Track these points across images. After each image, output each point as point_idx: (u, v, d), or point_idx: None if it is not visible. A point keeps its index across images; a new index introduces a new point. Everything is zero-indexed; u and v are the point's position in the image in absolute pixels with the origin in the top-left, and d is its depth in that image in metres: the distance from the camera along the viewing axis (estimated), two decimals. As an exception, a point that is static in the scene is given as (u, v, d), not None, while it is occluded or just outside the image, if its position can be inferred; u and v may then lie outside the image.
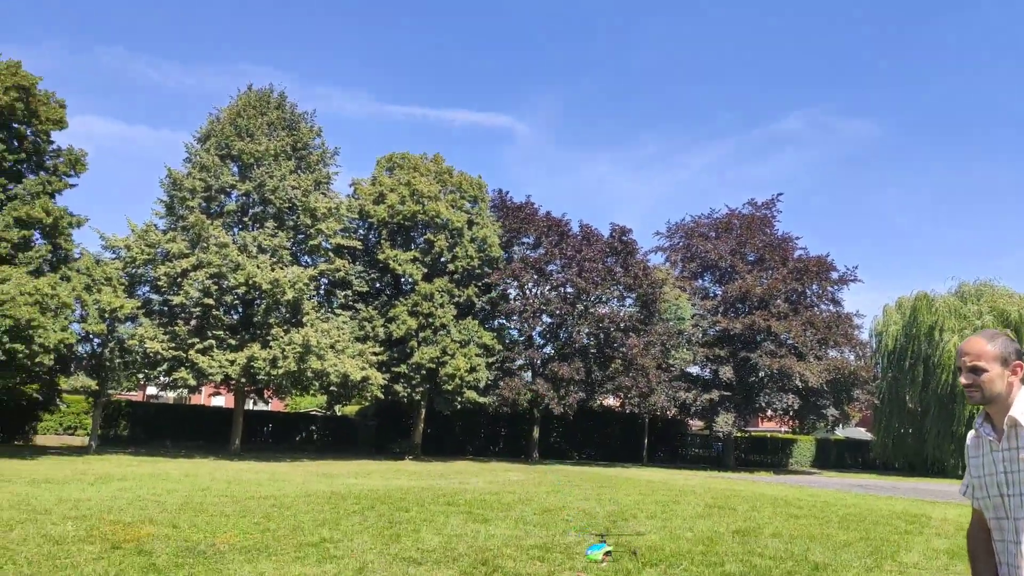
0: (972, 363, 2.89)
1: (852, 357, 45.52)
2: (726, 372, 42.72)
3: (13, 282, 24.08)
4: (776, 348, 42.49)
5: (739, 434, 49.21)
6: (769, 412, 45.80)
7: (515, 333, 42.17)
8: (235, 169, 34.26)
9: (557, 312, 39.76)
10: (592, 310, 40.39)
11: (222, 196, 33.82)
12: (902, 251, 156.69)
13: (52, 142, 29.37)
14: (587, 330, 40.36)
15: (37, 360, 24.55)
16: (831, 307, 46.85)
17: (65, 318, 25.80)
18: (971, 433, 3.12)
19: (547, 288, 40.88)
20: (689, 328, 43.04)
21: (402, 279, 38.73)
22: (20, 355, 23.99)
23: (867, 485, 31.92)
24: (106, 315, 28.25)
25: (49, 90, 28.96)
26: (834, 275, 46.26)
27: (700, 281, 48.81)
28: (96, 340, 29.78)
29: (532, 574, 8.40)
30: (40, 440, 36.14)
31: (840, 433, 58.33)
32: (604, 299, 41.64)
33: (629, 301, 42.48)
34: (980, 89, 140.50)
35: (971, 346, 2.93)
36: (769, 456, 52.76)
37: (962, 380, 2.96)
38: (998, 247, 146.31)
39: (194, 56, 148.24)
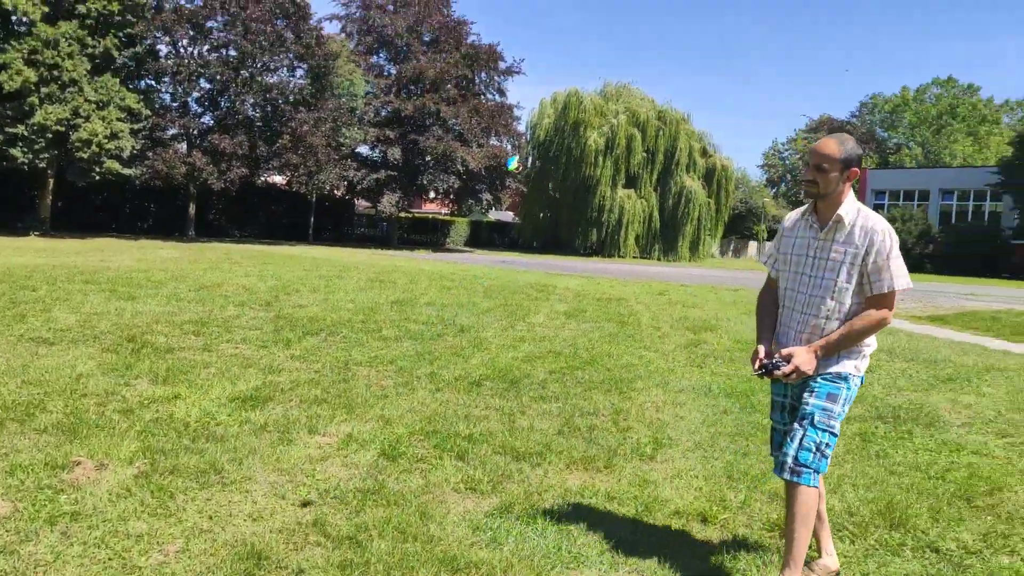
0: (817, 162, 3.23)
1: (509, 147, 49.01)
2: (394, 153, 43.21)
3: None
4: (443, 133, 43.83)
5: (403, 215, 51.31)
6: (432, 194, 48.09)
7: (167, 98, 37.52)
8: None
9: (218, 77, 35.92)
10: (259, 78, 37.23)
11: None
12: (562, 50, 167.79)
13: None
14: (252, 100, 37.41)
15: None
16: (496, 97, 49.13)
17: None
18: (794, 214, 3.59)
19: (206, 48, 36.42)
20: (362, 107, 42.18)
21: (13, 17, 31.23)
22: None
23: (509, 261, 36.06)
24: None
25: None
26: (502, 65, 48.03)
27: (376, 58, 47.36)
28: None
29: (187, 347, 8.18)
30: None
31: (492, 216, 64.02)
32: (272, 67, 38.51)
33: (300, 72, 39.92)
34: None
35: (822, 146, 3.25)
36: (429, 236, 56.23)
37: (806, 174, 3.34)
38: (638, 55, 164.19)
39: None
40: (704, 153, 57.08)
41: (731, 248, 74.41)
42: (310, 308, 11.84)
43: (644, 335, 11.19)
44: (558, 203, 54.45)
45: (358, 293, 14.46)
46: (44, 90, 30.16)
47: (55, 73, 30.22)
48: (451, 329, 10.61)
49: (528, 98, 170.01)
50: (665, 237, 54.93)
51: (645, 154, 53.08)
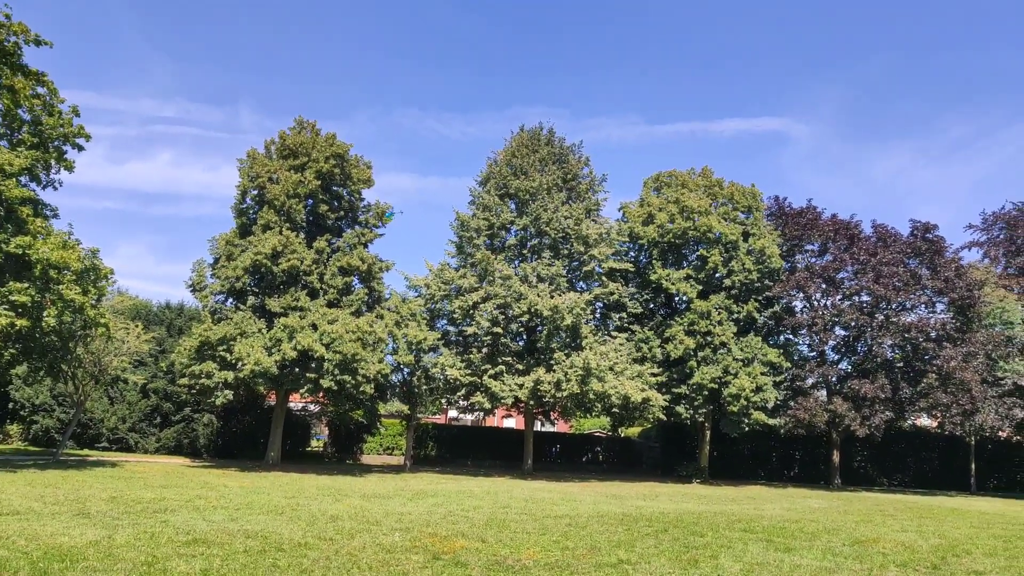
0: None
1: None
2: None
3: (340, 323, 28.00)
4: None
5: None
6: None
7: (804, 349, 39.28)
8: (513, 206, 36.57)
9: (852, 324, 36.28)
10: (895, 319, 36.22)
11: (503, 232, 36.25)
12: None
13: (363, 199, 33.87)
14: (890, 342, 36.27)
15: (361, 389, 28.16)
16: None
17: (381, 351, 29.37)
18: None
19: (838, 298, 37.56)
20: (1021, 334, 36.70)
21: (676, 298, 38.20)
22: (348, 385, 27.73)
23: None
24: (413, 347, 31.55)
25: (359, 154, 33.57)
26: None
27: (1032, 278, 41.52)
28: (406, 369, 33.37)
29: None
30: (365, 459, 41.28)
31: None
32: (909, 306, 37.18)
33: (940, 307, 37.46)
34: None
35: None
36: None
37: None
38: None
39: (474, 107, 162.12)
40: None
41: None
42: (992, 577, 9.92)
43: None
44: None
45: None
46: (700, 354, 35.13)
47: (708, 339, 35.11)
48: None
49: None
50: None
51: None
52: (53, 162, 23.54)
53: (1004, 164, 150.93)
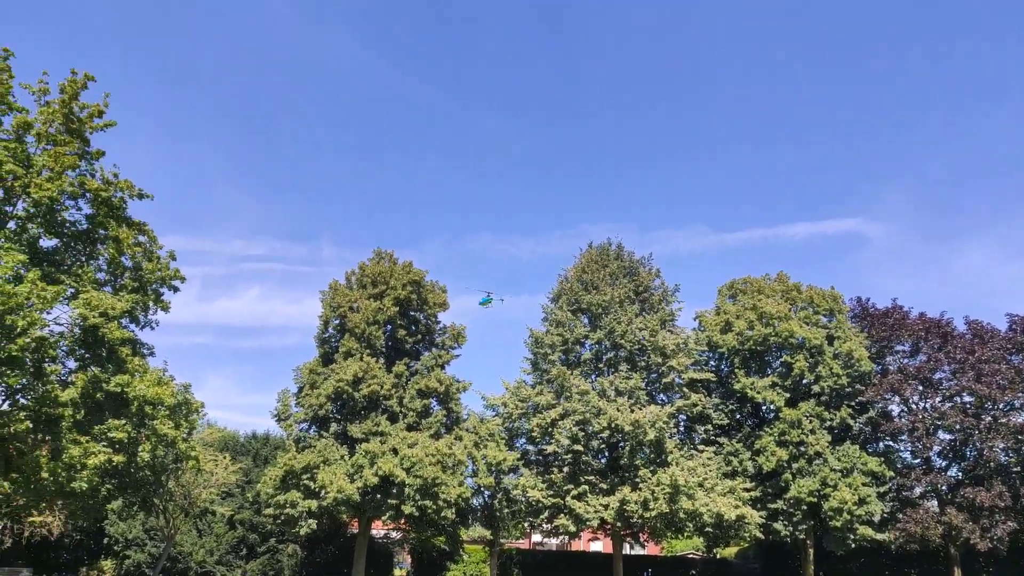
0: None
1: None
2: None
3: (420, 446, 28.04)
4: None
5: None
6: None
7: (907, 456, 36.75)
8: (586, 320, 36.61)
9: (957, 427, 33.91)
10: (1004, 420, 33.71)
11: (577, 347, 36.12)
12: None
13: (439, 322, 34.65)
14: (1002, 445, 33.61)
15: (442, 514, 27.73)
16: None
17: (461, 474, 29.07)
18: None
19: (938, 400, 35.38)
20: None
21: (763, 407, 36.74)
22: (429, 510, 27.39)
23: None
24: (492, 468, 31.11)
25: (434, 280, 34.65)
26: None
27: None
28: (486, 492, 32.80)
29: None
30: (450, 588, 39.99)
31: None
32: (1018, 405, 34.61)
33: (1053, 404, 34.72)
34: None
35: None
36: None
37: None
38: None
39: (541, 228, 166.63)
40: None
41: None
42: None
43: None
44: None
45: None
46: (795, 465, 33.29)
47: (801, 449, 33.36)
48: None
49: None
50: None
51: None
52: (151, 304, 25.04)
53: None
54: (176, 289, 25.61)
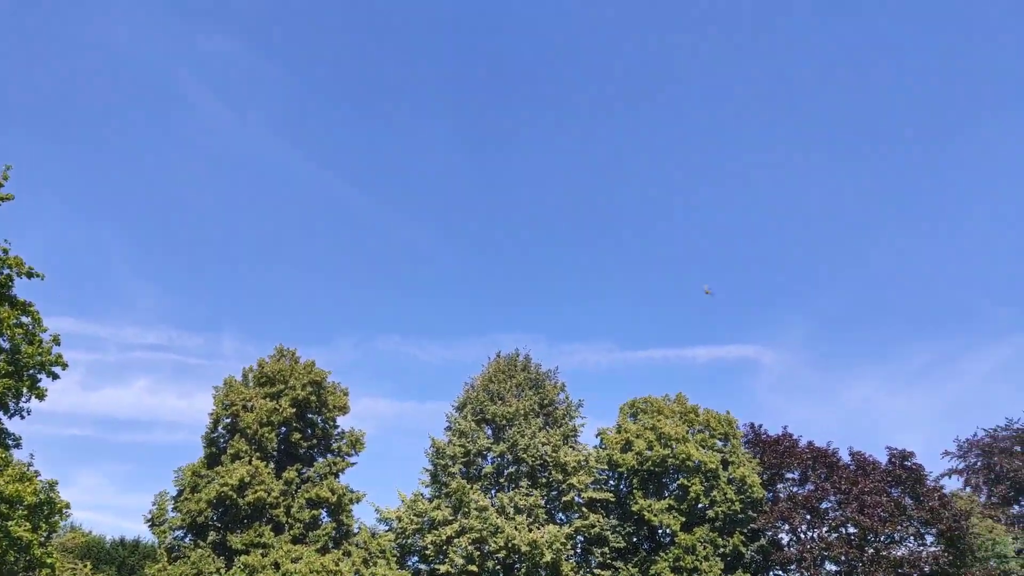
0: None
1: None
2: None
3: (304, 561, 26.36)
4: None
5: None
6: None
7: (796, 586, 37.14)
8: (489, 431, 36.18)
9: (843, 558, 34.72)
10: (885, 553, 34.81)
11: (479, 459, 35.45)
12: None
13: (337, 426, 33.46)
14: (884, 578, 34.53)
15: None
16: None
17: (347, 593, 27.34)
18: None
19: (824, 530, 36.29)
20: (1018, 569, 35.26)
21: (659, 531, 36.69)
22: (309, 632, 25.46)
23: None
24: (381, 587, 29.45)
25: (336, 381, 33.70)
26: None
27: (1017, 507, 40.80)
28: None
29: None
30: None
31: None
32: (897, 538, 35.91)
33: (930, 539, 36.23)
34: None
35: None
36: None
37: None
38: None
39: (452, 333, 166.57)
40: None
41: None
42: None
43: None
44: None
45: None
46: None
47: (696, 576, 33.25)
48: None
49: None
50: None
51: None
52: (25, 390, 23.27)
53: (970, 390, 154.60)
54: (56, 376, 23.99)
